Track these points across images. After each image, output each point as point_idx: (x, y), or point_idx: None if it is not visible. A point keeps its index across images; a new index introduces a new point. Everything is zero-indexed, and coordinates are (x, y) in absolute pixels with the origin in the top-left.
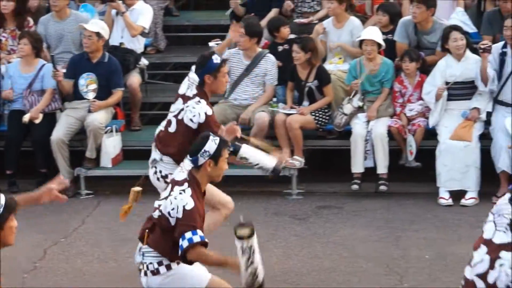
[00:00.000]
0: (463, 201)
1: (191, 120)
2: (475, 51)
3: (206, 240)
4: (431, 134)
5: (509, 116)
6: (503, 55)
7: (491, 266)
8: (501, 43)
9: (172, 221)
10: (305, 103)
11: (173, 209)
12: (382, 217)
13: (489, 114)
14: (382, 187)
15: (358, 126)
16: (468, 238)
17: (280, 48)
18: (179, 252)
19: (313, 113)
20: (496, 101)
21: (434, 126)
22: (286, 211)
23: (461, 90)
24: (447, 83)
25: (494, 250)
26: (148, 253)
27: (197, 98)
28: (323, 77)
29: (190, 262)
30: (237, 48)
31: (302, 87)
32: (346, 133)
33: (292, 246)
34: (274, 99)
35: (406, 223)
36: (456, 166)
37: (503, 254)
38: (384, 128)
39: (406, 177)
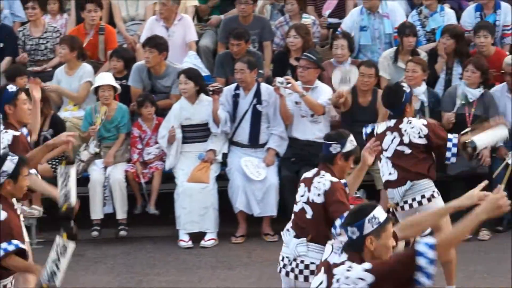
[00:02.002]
0: (202, 243)
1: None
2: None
3: (22, 246)
4: (168, 177)
5: (244, 157)
6: (236, 96)
7: (329, 283)
8: (234, 85)
9: None
10: None
11: None
12: (123, 262)
13: (225, 155)
14: (122, 232)
15: (96, 172)
16: (208, 279)
17: None
18: None
19: (49, 161)
20: (232, 142)
21: (171, 169)
22: None
23: (196, 132)
24: (182, 126)
25: (329, 268)
26: None
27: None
28: (58, 125)
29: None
30: None
31: (38, 137)
32: (84, 180)
33: None
34: None
35: (147, 267)
36: (195, 208)
37: (335, 270)
38: (122, 173)
39: (146, 221)
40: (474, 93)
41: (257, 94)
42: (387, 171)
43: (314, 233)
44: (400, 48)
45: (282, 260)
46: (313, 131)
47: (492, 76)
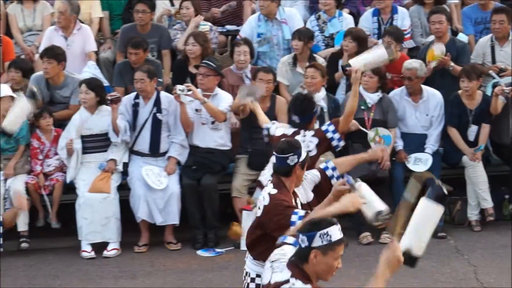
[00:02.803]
0: (105, 253)
1: None
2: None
3: None
4: (69, 188)
5: (145, 166)
6: (135, 105)
7: None
8: (133, 94)
9: None
10: None
11: None
12: (25, 274)
13: (126, 165)
14: (24, 245)
15: None
16: None
17: None
18: None
19: None
20: (132, 152)
21: (72, 180)
22: None
23: (96, 142)
24: (82, 136)
25: None
26: None
27: None
28: None
29: None
30: None
31: None
32: None
33: None
34: None
35: (50, 279)
36: (97, 219)
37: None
38: (22, 185)
39: (48, 233)
40: (373, 98)
41: (157, 103)
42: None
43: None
44: (298, 54)
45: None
46: (214, 138)
47: (395, 80)
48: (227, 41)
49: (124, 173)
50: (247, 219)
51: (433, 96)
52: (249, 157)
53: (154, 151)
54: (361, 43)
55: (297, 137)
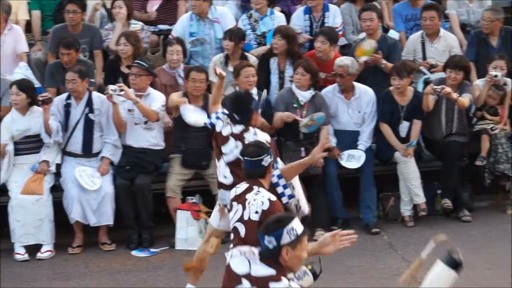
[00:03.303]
0: (39, 255)
1: None
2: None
3: None
4: (2, 191)
5: (78, 166)
6: (67, 106)
7: None
8: (65, 95)
9: None
10: None
11: None
12: None
13: (59, 166)
14: None
15: None
16: None
17: None
18: None
19: None
20: (65, 152)
21: (4, 183)
22: None
23: (29, 144)
24: (14, 138)
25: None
26: None
27: None
28: None
29: None
30: None
31: None
32: None
33: None
34: None
35: None
36: (30, 220)
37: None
38: None
39: None
40: (305, 95)
41: (89, 103)
42: (223, 173)
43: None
44: (229, 54)
45: None
46: (147, 138)
47: (328, 80)
48: (159, 40)
49: (57, 174)
50: (181, 219)
51: (365, 93)
52: (182, 156)
53: (87, 151)
54: (291, 40)
55: (247, 134)
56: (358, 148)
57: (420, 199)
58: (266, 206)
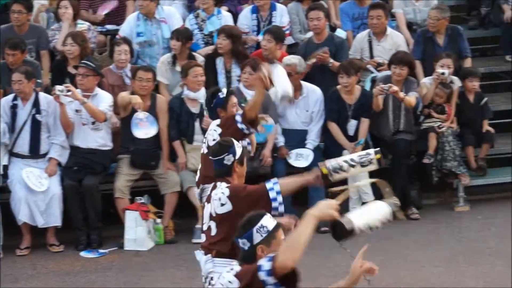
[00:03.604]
0: None
1: None
2: None
3: None
4: None
5: (26, 168)
6: (14, 107)
7: None
8: (11, 96)
9: None
10: None
11: None
12: None
13: (6, 167)
14: None
15: None
16: None
17: None
18: None
19: None
20: (12, 154)
21: None
22: None
23: None
24: None
25: None
26: None
27: None
28: None
29: None
30: None
31: None
32: None
33: None
34: None
35: None
36: None
37: None
38: None
39: None
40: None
41: (36, 104)
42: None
43: (221, 247)
44: (177, 54)
45: (201, 279)
46: (95, 138)
47: None
48: (106, 40)
49: (4, 176)
50: (130, 220)
51: (312, 92)
52: (131, 156)
53: (34, 152)
54: (235, 40)
55: (212, 126)
56: (306, 147)
57: (369, 197)
58: (227, 192)
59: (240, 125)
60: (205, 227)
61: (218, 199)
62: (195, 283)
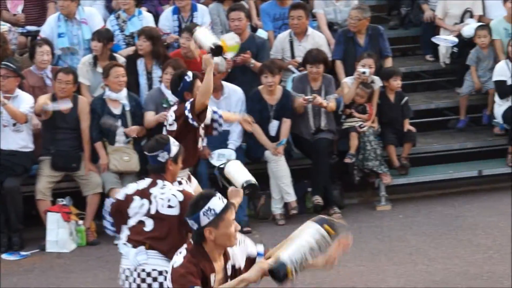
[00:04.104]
0: None
1: None
2: None
3: None
4: None
5: None
6: None
7: None
8: None
9: None
10: None
11: None
12: None
13: None
14: None
15: None
16: None
17: None
18: None
19: None
20: None
21: None
22: None
23: None
24: None
25: None
26: None
27: None
28: None
29: None
30: None
31: None
32: None
33: None
34: None
35: None
36: None
37: None
38: None
39: None
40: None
41: None
42: None
43: (157, 244)
44: (98, 55)
45: (123, 272)
46: (16, 140)
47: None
48: (27, 41)
49: None
50: (52, 221)
51: (234, 92)
52: (52, 158)
53: None
54: (155, 42)
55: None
56: (228, 147)
57: (291, 197)
58: (181, 197)
59: (187, 113)
60: (134, 222)
61: (166, 199)
62: (118, 284)
